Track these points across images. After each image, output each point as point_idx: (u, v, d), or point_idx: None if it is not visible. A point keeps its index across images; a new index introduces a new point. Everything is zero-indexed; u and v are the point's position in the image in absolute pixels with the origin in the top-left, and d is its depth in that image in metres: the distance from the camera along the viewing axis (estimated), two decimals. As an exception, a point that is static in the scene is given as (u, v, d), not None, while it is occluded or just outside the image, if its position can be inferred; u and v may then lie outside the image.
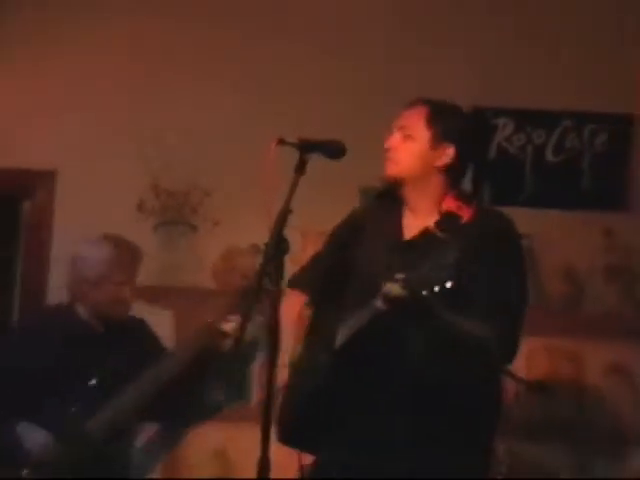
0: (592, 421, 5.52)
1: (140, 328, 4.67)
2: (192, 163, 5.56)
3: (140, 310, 3.91)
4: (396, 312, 3.35)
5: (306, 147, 3.51)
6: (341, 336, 3.53)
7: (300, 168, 3.44)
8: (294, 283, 3.92)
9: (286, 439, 3.75)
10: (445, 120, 3.66)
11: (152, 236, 5.56)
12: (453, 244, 3.38)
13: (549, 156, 5.80)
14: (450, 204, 3.63)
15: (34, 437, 4.36)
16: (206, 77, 5.90)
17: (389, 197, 3.76)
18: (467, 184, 5.61)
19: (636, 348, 5.52)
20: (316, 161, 3.44)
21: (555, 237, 5.69)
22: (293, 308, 3.89)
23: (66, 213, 5.72)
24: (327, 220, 3.93)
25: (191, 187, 5.57)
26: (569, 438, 5.32)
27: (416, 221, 3.67)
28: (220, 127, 5.65)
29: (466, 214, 3.60)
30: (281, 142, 3.47)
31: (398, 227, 3.70)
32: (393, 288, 3.25)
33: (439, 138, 3.62)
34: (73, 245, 4.85)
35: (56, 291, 5.12)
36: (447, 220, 3.58)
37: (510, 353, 3.64)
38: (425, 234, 3.60)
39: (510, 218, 3.78)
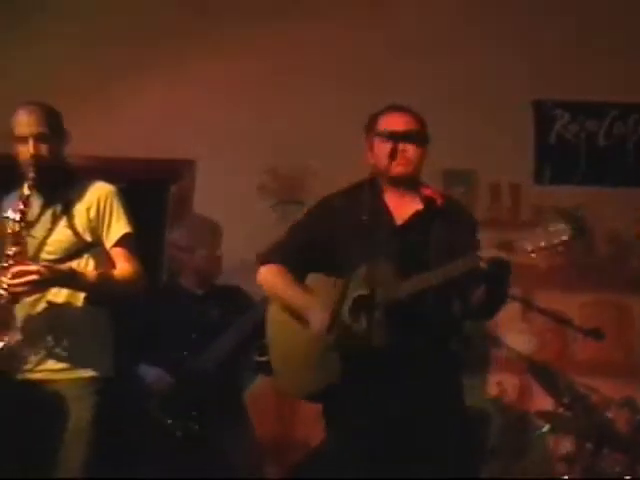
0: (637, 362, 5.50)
1: (234, 292, 4.80)
2: (303, 151, 5.57)
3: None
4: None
5: (399, 136, 3.63)
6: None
7: (393, 154, 3.55)
8: (269, 258, 3.85)
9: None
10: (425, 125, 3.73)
11: (270, 213, 5.63)
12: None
13: (600, 141, 5.79)
14: (427, 191, 3.68)
15: (153, 374, 4.54)
16: (314, 75, 5.85)
17: (368, 186, 3.63)
18: (530, 166, 5.80)
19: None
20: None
21: (604, 209, 5.55)
22: (282, 274, 3.76)
23: (203, 194, 5.79)
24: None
25: (302, 171, 5.63)
26: (619, 376, 5.28)
27: (404, 207, 3.67)
28: (326, 120, 5.60)
29: (439, 198, 3.67)
30: (379, 133, 3.65)
31: (387, 212, 3.67)
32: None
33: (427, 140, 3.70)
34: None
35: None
36: (430, 204, 3.64)
37: None
38: (416, 215, 3.65)
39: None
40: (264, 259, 3.87)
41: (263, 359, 4.21)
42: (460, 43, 5.86)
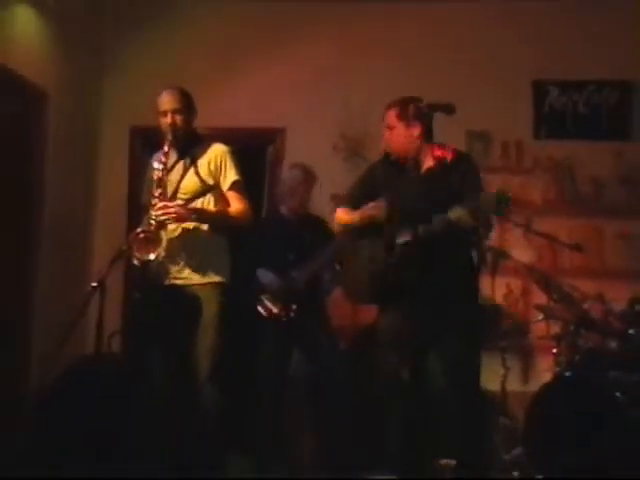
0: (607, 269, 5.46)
1: (319, 221, 4.77)
2: (365, 119, 5.43)
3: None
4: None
5: (433, 108, 3.66)
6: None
7: (427, 127, 3.64)
8: (340, 204, 3.96)
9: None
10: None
11: (342, 165, 5.58)
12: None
13: (581, 108, 5.67)
14: (438, 152, 3.65)
15: (267, 277, 4.58)
16: (376, 58, 5.75)
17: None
18: (530, 127, 5.69)
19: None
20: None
21: (585, 157, 5.57)
22: (349, 211, 3.84)
23: (292, 153, 5.69)
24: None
25: (364, 134, 5.54)
26: (594, 279, 5.22)
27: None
28: (382, 95, 5.46)
29: (449, 156, 3.64)
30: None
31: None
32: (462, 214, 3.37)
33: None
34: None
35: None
36: (439, 161, 3.64)
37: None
38: (429, 169, 3.66)
39: (469, 153, 3.94)
40: (338, 204, 3.98)
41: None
42: (482, 37, 5.73)
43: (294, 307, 4.50)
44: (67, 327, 3.66)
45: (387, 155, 3.82)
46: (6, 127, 4.84)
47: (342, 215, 3.89)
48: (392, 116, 3.72)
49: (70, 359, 4.73)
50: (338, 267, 4.37)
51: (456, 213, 3.40)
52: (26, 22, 4.99)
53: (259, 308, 4.55)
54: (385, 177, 3.78)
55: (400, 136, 3.70)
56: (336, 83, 5.78)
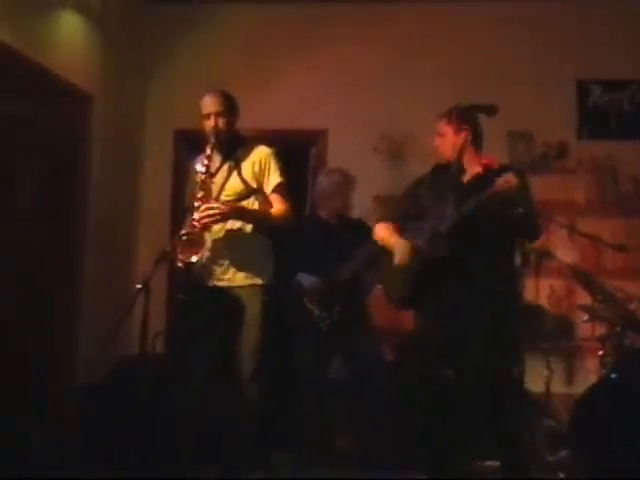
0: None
1: (359, 224, 4.72)
2: (406, 121, 5.45)
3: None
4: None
5: (475, 109, 3.62)
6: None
7: (475, 129, 3.61)
8: (386, 218, 3.96)
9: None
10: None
11: (383, 167, 5.53)
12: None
13: (625, 107, 5.57)
14: (485, 160, 3.60)
15: (307, 279, 4.55)
16: (416, 66, 5.69)
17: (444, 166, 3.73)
18: (573, 127, 5.61)
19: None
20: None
21: (628, 156, 5.47)
22: (389, 227, 3.86)
23: (334, 156, 5.69)
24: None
25: (404, 136, 5.52)
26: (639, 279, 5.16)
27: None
28: (423, 97, 5.43)
29: (495, 164, 3.58)
30: (460, 107, 3.63)
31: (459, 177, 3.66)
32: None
33: None
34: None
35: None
36: (485, 168, 3.58)
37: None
38: (476, 176, 3.60)
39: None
40: (379, 219, 4.01)
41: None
42: (524, 37, 5.66)
43: (336, 309, 4.48)
44: (113, 328, 3.67)
45: (436, 168, 3.78)
46: (52, 131, 4.87)
47: (380, 232, 3.91)
48: (442, 123, 3.68)
49: (116, 359, 4.79)
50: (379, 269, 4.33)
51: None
52: (72, 28, 5.03)
53: (300, 310, 4.54)
54: (432, 190, 3.74)
55: (449, 142, 3.66)
56: (378, 85, 5.74)
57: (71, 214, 5.09)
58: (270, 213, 3.88)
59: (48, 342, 4.75)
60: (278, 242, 4.06)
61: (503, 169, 3.57)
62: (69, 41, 5.01)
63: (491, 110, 3.60)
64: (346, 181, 4.73)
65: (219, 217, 3.71)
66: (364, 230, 4.55)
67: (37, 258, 4.70)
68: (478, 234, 3.51)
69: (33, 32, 4.61)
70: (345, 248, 4.55)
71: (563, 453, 4.29)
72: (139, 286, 3.51)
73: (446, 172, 3.69)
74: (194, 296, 4.04)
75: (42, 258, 4.76)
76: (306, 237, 4.63)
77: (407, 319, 4.25)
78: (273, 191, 3.90)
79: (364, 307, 4.71)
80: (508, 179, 3.39)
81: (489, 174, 3.54)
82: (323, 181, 4.81)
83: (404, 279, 3.67)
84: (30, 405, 4.39)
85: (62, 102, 4.98)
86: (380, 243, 3.90)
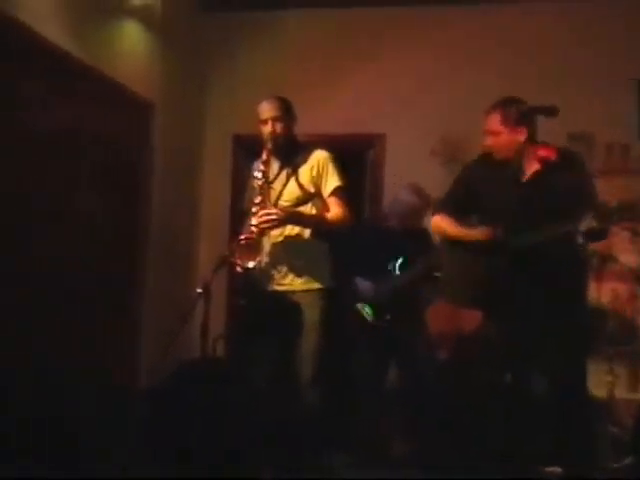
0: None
1: (422, 231, 4.64)
2: (464, 123, 5.18)
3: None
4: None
5: (535, 111, 3.51)
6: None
7: (532, 130, 3.48)
8: (437, 210, 3.81)
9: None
10: None
11: (440, 170, 5.37)
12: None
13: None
14: (542, 152, 3.47)
15: (364, 284, 4.54)
16: (476, 62, 5.65)
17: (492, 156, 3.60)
18: (634, 128, 5.46)
19: None
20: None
21: None
22: (448, 220, 3.71)
23: (391, 160, 5.69)
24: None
25: (463, 139, 5.35)
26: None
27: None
28: (481, 99, 5.35)
29: (553, 155, 3.45)
30: (519, 108, 3.49)
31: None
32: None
33: None
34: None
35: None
36: (545, 163, 3.46)
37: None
38: (536, 173, 3.49)
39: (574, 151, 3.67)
40: (434, 211, 3.85)
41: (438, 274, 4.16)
42: (584, 37, 5.54)
43: (389, 316, 4.46)
44: (174, 332, 3.69)
45: (484, 156, 3.67)
46: (113, 139, 4.93)
47: (440, 223, 3.78)
48: (495, 121, 3.52)
49: (177, 362, 4.81)
50: (438, 274, 4.22)
51: (551, 230, 3.28)
52: (133, 36, 5.10)
53: (356, 315, 4.52)
54: (484, 180, 3.64)
55: (505, 142, 3.52)
56: (436, 87, 5.71)
57: (133, 220, 5.17)
58: (328, 217, 3.85)
59: (111, 346, 4.83)
60: (338, 246, 4.03)
61: (562, 160, 3.46)
62: (131, 50, 5.09)
63: (552, 111, 3.47)
64: (423, 205, 4.65)
65: (277, 222, 3.70)
66: (427, 239, 4.53)
67: (99, 263, 4.76)
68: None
69: (96, 41, 4.69)
70: (406, 256, 4.52)
71: (628, 460, 4.19)
72: (199, 290, 3.54)
73: (498, 166, 3.59)
74: (254, 301, 4.04)
75: (104, 263, 4.82)
76: (365, 242, 4.61)
77: (465, 322, 4.21)
78: (331, 195, 3.86)
79: (421, 314, 4.64)
80: None
81: (549, 169, 3.45)
82: (403, 198, 4.73)
83: (474, 276, 3.60)
84: (93, 408, 4.43)
85: (124, 110, 5.05)
86: (441, 235, 3.82)
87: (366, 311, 4.49)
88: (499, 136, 3.52)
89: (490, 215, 3.54)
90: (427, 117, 5.64)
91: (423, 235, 4.62)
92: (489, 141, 3.57)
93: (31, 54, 4.09)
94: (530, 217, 3.39)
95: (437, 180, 4.96)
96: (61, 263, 4.35)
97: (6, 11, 3.88)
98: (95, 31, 4.68)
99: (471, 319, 3.96)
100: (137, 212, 5.21)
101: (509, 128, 3.49)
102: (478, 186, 3.65)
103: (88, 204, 4.67)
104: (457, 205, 3.73)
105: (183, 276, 5.67)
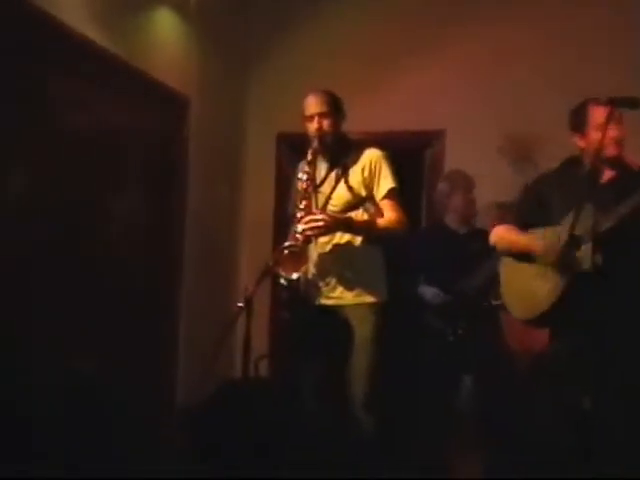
0: None
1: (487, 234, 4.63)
2: (535, 118, 5.31)
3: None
4: None
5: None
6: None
7: (609, 118, 3.37)
8: (507, 220, 3.79)
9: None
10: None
11: (508, 170, 5.36)
12: None
13: None
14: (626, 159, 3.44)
15: (430, 292, 4.56)
16: (547, 55, 5.54)
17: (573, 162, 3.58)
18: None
19: None
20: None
21: None
22: (512, 230, 3.70)
23: (453, 157, 5.61)
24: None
25: (532, 135, 5.35)
26: None
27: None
28: (553, 92, 5.26)
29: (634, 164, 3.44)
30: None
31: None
32: None
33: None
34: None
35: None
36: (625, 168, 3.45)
37: None
38: (617, 176, 3.47)
39: None
40: (502, 219, 3.86)
41: (498, 302, 4.10)
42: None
43: (461, 324, 4.45)
44: (213, 349, 3.71)
45: (567, 163, 3.65)
46: (147, 137, 4.99)
47: (500, 233, 3.79)
48: (604, 115, 3.43)
49: (216, 383, 4.84)
50: (498, 301, 4.17)
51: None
52: (168, 28, 5.13)
53: (423, 325, 4.54)
54: (560, 190, 3.59)
55: (613, 139, 3.47)
56: (500, 79, 5.63)
57: (169, 224, 5.21)
58: (382, 222, 3.82)
59: (147, 363, 4.86)
60: (394, 254, 4.02)
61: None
62: (165, 42, 5.12)
63: (634, 103, 3.43)
64: (469, 182, 4.74)
65: (324, 229, 3.67)
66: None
67: (134, 272, 4.83)
68: (630, 242, 3.37)
69: (128, 33, 4.72)
70: (472, 259, 4.49)
71: None
72: (241, 304, 3.51)
73: (577, 170, 3.56)
74: (300, 316, 4.06)
75: (139, 271, 4.88)
76: (430, 247, 4.63)
77: (540, 338, 4.15)
78: (385, 197, 3.85)
79: (496, 322, 4.59)
80: None
81: (629, 172, 3.44)
82: (446, 183, 4.82)
83: (535, 292, 3.54)
84: (129, 427, 4.47)
85: (158, 106, 5.09)
86: (502, 246, 3.79)
87: (433, 319, 4.51)
88: (609, 133, 3.44)
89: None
90: (493, 111, 5.59)
91: (484, 235, 4.61)
92: (619, 132, 3.51)
93: (62, 50, 4.14)
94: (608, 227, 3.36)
95: (504, 182, 4.98)
96: (96, 268, 4.43)
97: (36, 5, 3.93)
98: (127, 22, 4.71)
99: (542, 338, 3.84)
100: (173, 216, 5.24)
101: (616, 124, 3.47)
102: (551, 196, 3.62)
103: (122, 208, 4.73)
104: (526, 219, 3.71)
105: (223, 288, 5.68)
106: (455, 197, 4.74)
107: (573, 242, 3.36)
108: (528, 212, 3.72)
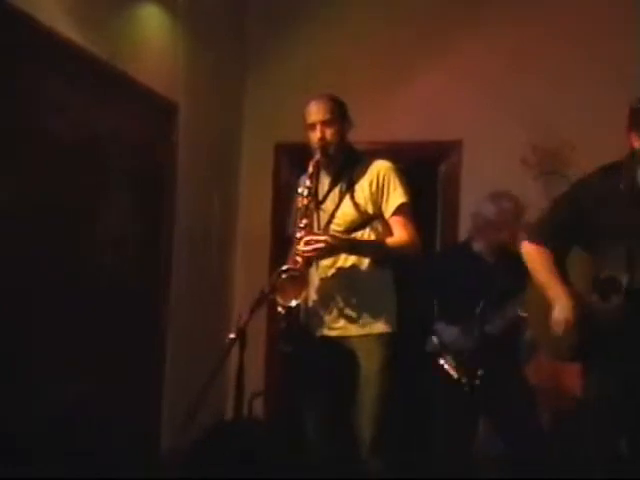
0: None
1: (520, 261, 4.44)
2: (564, 126, 5.33)
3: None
4: None
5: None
6: None
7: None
8: (533, 236, 3.73)
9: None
10: None
11: (533, 185, 5.37)
12: None
13: None
14: None
15: (449, 332, 4.48)
16: (560, 64, 5.58)
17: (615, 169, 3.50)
18: None
19: None
20: None
21: None
22: (542, 256, 3.65)
23: (470, 171, 5.64)
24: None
25: (561, 145, 5.36)
26: None
27: None
28: (578, 98, 5.35)
29: None
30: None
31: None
32: None
33: None
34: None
35: (464, 233, 5.14)
36: None
37: None
38: None
39: None
40: (529, 236, 3.78)
41: (524, 315, 4.13)
42: None
43: (480, 372, 4.37)
44: (202, 386, 3.65)
45: (608, 171, 3.57)
46: (133, 144, 4.96)
47: (531, 255, 3.74)
48: None
49: (206, 424, 4.78)
50: (525, 314, 4.17)
51: None
52: (154, 25, 5.12)
53: (436, 370, 4.48)
54: (602, 202, 3.52)
55: None
56: (522, 83, 5.68)
57: (155, 242, 5.20)
58: (391, 243, 3.79)
59: (129, 398, 4.81)
60: (405, 280, 4.00)
61: None
62: (152, 41, 5.11)
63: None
64: (517, 211, 4.60)
65: (327, 251, 3.65)
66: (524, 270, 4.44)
67: (118, 293, 4.80)
68: None
69: (110, 32, 4.69)
70: (501, 292, 4.41)
71: None
72: (232, 336, 3.46)
73: (618, 181, 3.49)
74: (299, 348, 3.99)
75: (124, 293, 4.85)
76: (450, 274, 4.57)
77: (570, 377, 4.10)
78: (394, 214, 3.82)
79: (520, 367, 4.60)
80: None
81: None
82: (489, 207, 4.66)
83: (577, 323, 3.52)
84: (111, 471, 4.43)
85: (143, 111, 5.07)
86: (530, 271, 3.77)
87: (448, 365, 4.44)
88: None
89: (603, 247, 3.47)
90: (514, 118, 5.59)
91: (520, 261, 4.55)
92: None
93: (37, 49, 4.13)
94: None
95: (529, 197, 4.94)
96: (79, 282, 4.43)
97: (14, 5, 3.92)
98: (107, 19, 4.67)
99: (575, 376, 3.86)
100: (160, 234, 5.23)
101: None
102: (591, 209, 3.55)
103: (106, 224, 4.71)
104: (563, 233, 3.65)
105: (214, 316, 5.67)
106: (503, 225, 4.59)
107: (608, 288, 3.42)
108: (563, 228, 3.65)
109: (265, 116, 6.06)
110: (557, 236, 3.65)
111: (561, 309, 3.51)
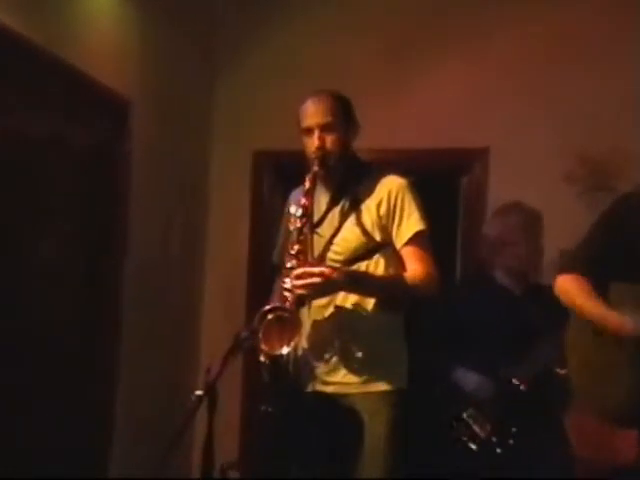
0: None
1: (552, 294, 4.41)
2: (612, 130, 5.38)
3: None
4: None
5: None
6: None
7: None
8: (568, 266, 3.75)
9: None
10: None
11: (577, 204, 5.38)
12: None
13: None
14: None
15: (472, 380, 4.52)
16: (610, 54, 5.61)
17: None
18: None
19: None
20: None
21: None
22: (582, 286, 3.66)
23: (499, 185, 5.66)
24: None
25: (614, 155, 5.38)
26: None
27: None
28: (632, 96, 5.43)
29: None
30: None
31: None
32: None
33: None
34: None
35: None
36: None
37: None
38: None
39: None
40: (561, 267, 3.81)
41: (563, 372, 4.08)
42: None
43: (514, 430, 4.39)
44: (160, 458, 3.60)
45: None
46: (76, 152, 4.97)
47: (568, 288, 3.76)
48: None
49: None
50: (563, 371, 4.16)
51: None
52: (103, 6, 5.11)
53: (457, 430, 4.52)
54: None
55: None
56: (562, 81, 5.73)
57: (101, 275, 5.17)
58: (401, 279, 3.80)
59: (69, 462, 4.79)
60: (418, 322, 4.00)
61: None
62: (99, 26, 5.10)
63: None
64: (529, 225, 4.67)
65: (323, 287, 3.62)
66: (557, 304, 4.42)
67: (51, 341, 4.76)
68: None
69: (48, 15, 4.63)
70: (532, 333, 4.45)
71: None
72: (199, 393, 3.44)
73: None
74: (286, 407, 3.94)
75: (57, 342, 4.82)
76: (472, 311, 4.61)
77: (618, 443, 4.04)
78: (408, 244, 3.83)
79: (559, 424, 4.45)
80: None
81: None
82: (493, 224, 4.77)
83: (630, 379, 3.54)
84: None
85: (90, 110, 5.07)
86: (568, 305, 3.77)
87: (472, 421, 4.48)
88: None
89: None
90: (552, 124, 5.65)
91: (553, 299, 4.52)
92: None
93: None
94: None
95: (572, 219, 4.95)
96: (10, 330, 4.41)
97: None
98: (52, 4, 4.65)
99: (629, 442, 3.84)
100: (107, 265, 5.20)
101: None
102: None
103: (44, 251, 4.70)
104: (606, 262, 3.65)
105: (176, 368, 5.69)
106: (515, 244, 4.67)
107: None
108: (606, 256, 3.67)
109: (241, 118, 6.14)
110: (595, 266, 3.68)
111: (623, 318, 3.52)
